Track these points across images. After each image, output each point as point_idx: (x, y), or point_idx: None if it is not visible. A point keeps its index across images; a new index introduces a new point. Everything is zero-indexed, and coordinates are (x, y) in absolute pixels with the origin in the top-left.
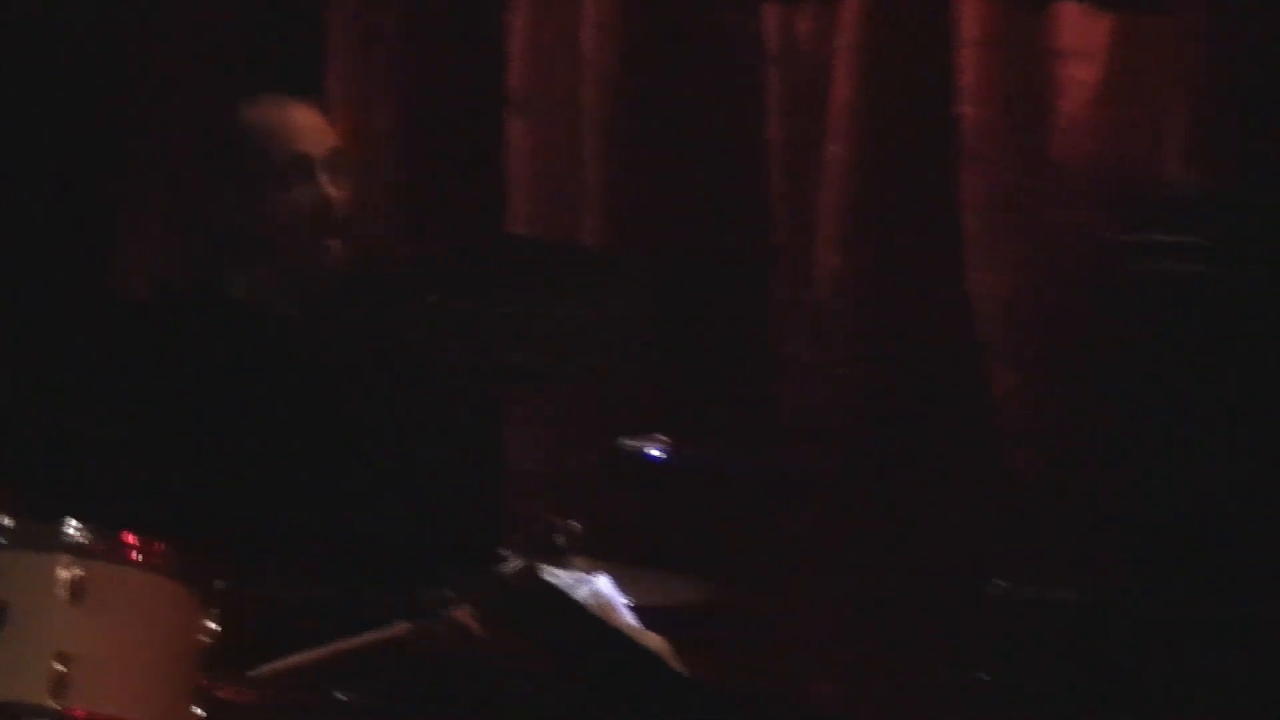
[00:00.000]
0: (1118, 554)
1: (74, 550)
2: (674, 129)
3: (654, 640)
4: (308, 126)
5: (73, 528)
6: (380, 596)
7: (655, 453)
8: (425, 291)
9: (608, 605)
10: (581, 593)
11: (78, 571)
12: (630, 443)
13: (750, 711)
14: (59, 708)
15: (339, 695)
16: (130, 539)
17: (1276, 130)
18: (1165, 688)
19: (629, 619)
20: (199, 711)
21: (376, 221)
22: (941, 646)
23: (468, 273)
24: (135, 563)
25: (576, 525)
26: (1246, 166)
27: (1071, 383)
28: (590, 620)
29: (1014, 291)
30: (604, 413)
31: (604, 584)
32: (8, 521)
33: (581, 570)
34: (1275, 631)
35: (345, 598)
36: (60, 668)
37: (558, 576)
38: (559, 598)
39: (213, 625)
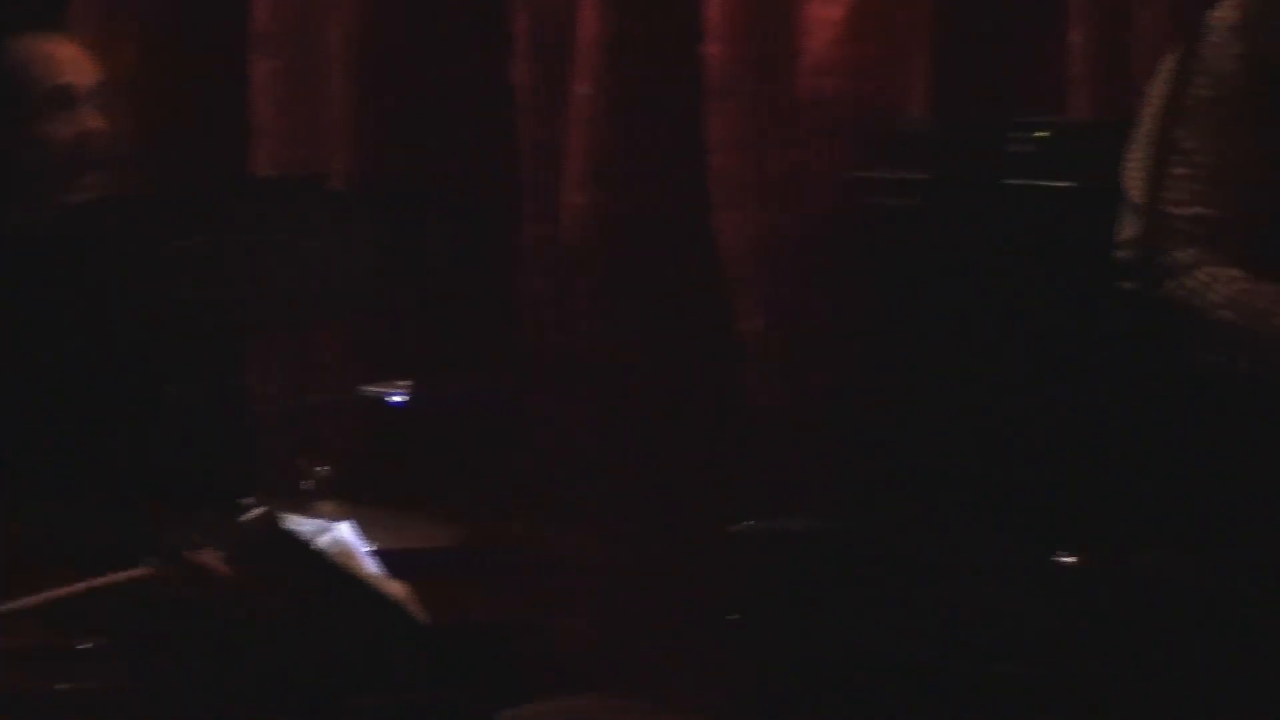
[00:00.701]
0: (865, 485)
1: None
2: (420, 68)
3: (395, 587)
4: (70, 58)
5: None
6: (123, 541)
7: (397, 397)
8: (171, 230)
9: (348, 552)
10: (323, 540)
11: None
12: (371, 389)
13: (490, 653)
14: None
15: (80, 643)
16: None
17: (1012, 67)
18: (915, 613)
19: (370, 566)
20: None
21: (124, 159)
22: (691, 586)
23: (213, 211)
24: None
25: (324, 469)
26: (982, 104)
27: (815, 318)
28: (330, 568)
29: (758, 229)
30: (350, 353)
31: (346, 530)
32: None
33: (326, 516)
34: (1019, 557)
35: (89, 540)
36: None
37: (299, 524)
38: (299, 546)
39: None
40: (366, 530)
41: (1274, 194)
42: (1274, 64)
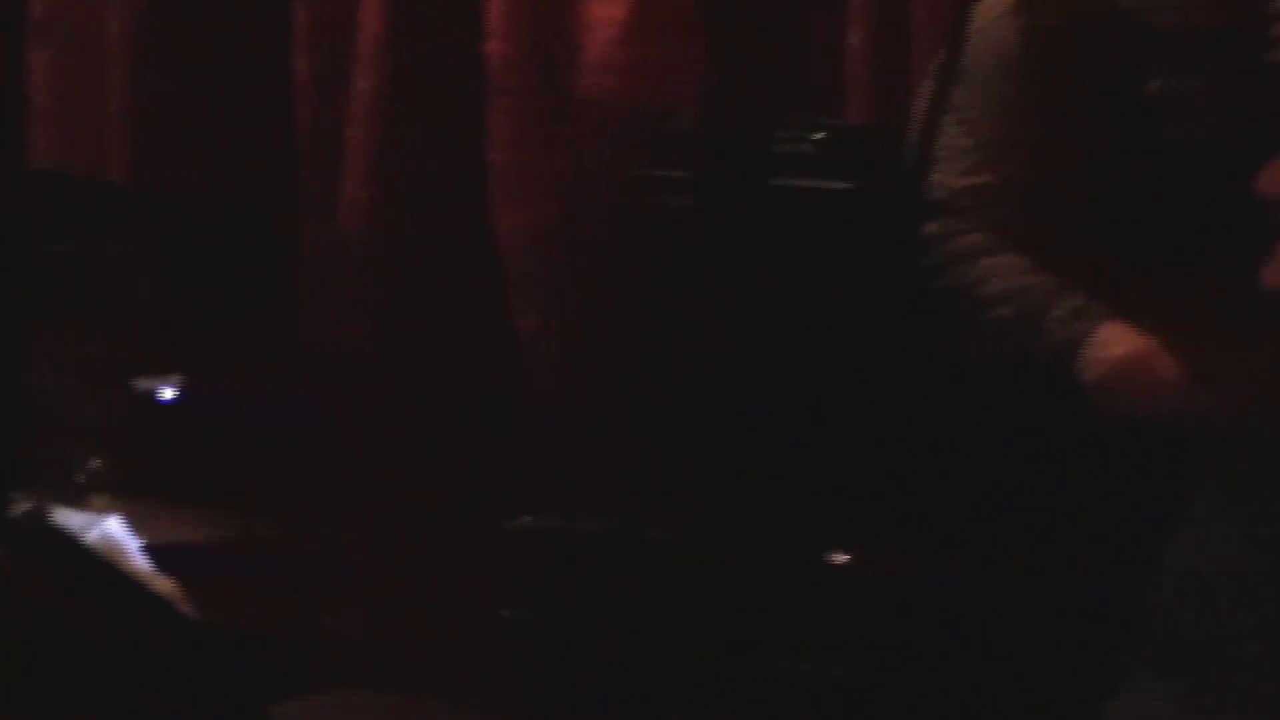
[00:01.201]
0: (642, 482)
1: None
2: (200, 61)
3: (164, 584)
4: None
5: None
6: None
7: (169, 394)
8: None
9: (118, 548)
10: (91, 535)
11: None
12: (144, 383)
13: (261, 651)
14: None
15: None
16: None
17: (791, 68)
18: (691, 611)
19: (140, 561)
20: None
21: None
22: (467, 583)
23: None
24: None
25: (97, 463)
26: (760, 104)
27: (595, 317)
28: (97, 564)
29: (537, 227)
30: (126, 349)
31: (115, 526)
32: None
33: (97, 511)
34: (795, 555)
35: None
36: None
37: (68, 519)
38: (66, 541)
39: None
40: (137, 525)
41: (1055, 168)
42: (1052, 33)
